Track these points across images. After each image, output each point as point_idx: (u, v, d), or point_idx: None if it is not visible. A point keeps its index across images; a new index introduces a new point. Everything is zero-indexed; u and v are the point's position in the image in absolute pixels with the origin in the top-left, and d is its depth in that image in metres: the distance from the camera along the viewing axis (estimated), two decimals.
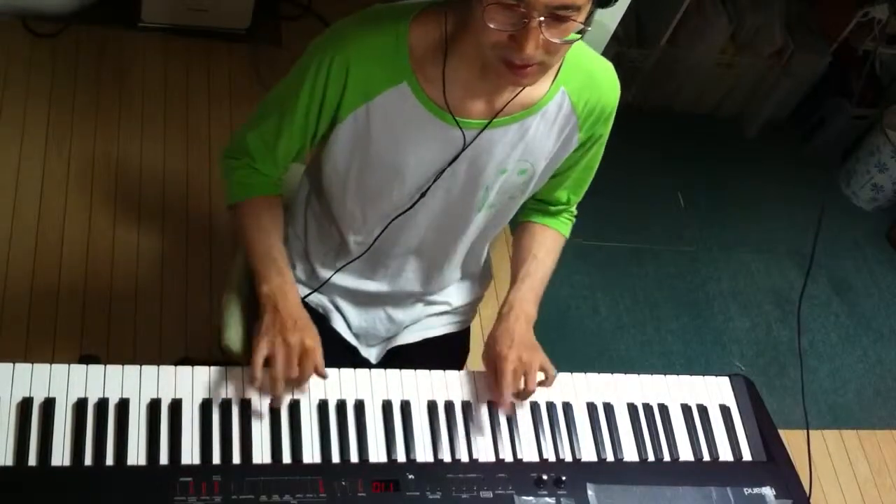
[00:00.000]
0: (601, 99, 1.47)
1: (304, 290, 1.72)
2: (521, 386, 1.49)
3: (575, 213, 1.71)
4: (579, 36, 1.25)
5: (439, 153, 1.45)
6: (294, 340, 1.42)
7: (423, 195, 1.50)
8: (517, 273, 1.63)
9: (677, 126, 3.54)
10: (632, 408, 1.56)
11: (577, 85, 1.44)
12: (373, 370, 1.49)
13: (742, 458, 1.55)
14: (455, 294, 1.79)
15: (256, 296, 1.50)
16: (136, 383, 1.36)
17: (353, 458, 1.38)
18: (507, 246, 2.87)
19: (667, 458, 1.52)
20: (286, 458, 1.35)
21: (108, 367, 1.37)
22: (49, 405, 1.31)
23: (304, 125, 1.46)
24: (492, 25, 1.21)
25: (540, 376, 1.52)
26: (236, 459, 1.33)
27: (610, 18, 2.09)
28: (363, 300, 1.72)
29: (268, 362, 1.40)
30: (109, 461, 1.29)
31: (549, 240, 1.68)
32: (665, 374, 1.62)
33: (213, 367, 1.41)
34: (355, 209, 1.57)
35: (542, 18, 1.19)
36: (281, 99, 1.47)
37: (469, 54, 1.35)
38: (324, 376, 1.44)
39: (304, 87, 1.41)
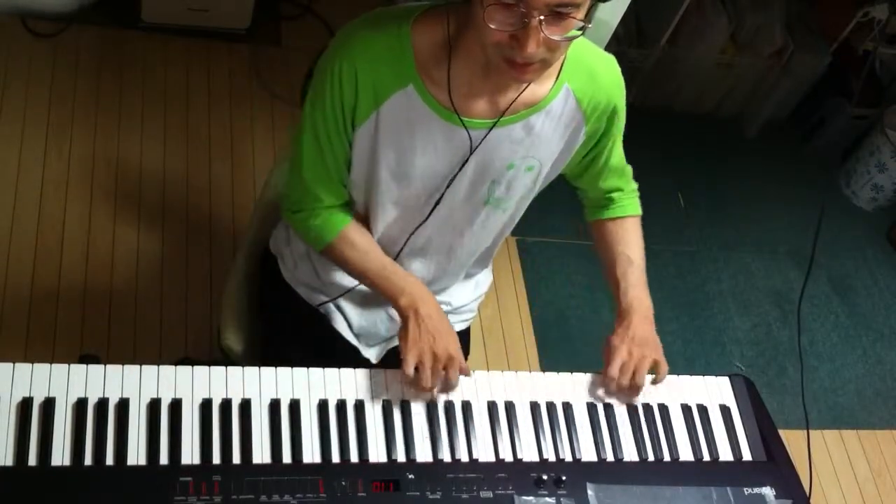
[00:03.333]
0: (605, 93, 1.48)
1: (305, 292, 1.72)
2: (626, 375, 1.53)
3: (635, 186, 1.74)
4: (580, 33, 1.25)
5: (446, 154, 1.45)
6: (440, 351, 1.46)
7: (437, 203, 1.51)
8: (615, 276, 1.65)
9: (677, 126, 3.54)
10: (632, 408, 1.56)
11: (581, 81, 1.45)
12: (373, 370, 1.49)
13: (742, 458, 1.55)
14: (456, 294, 1.79)
15: (397, 310, 1.53)
16: (136, 383, 1.36)
17: (353, 458, 1.38)
18: (507, 245, 2.88)
19: (667, 458, 1.52)
20: (286, 458, 1.35)
21: (108, 367, 1.37)
22: (49, 405, 1.31)
23: (339, 135, 1.45)
24: (492, 26, 1.21)
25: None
26: (236, 459, 1.33)
27: (611, 17, 2.10)
28: (365, 300, 1.72)
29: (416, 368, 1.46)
30: (109, 461, 1.29)
31: (630, 229, 1.71)
32: None
33: (213, 367, 1.41)
34: (366, 210, 1.57)
35: (542, 17, 1.19)
36: (310, 122, 1.46)
37: (472, 54, 1.35)
38: (468, 374, 1.50)
39: (326, 102, 1.41)
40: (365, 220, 1.59)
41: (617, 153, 1.64)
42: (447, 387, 1.48)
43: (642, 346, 1.55)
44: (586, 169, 1.64)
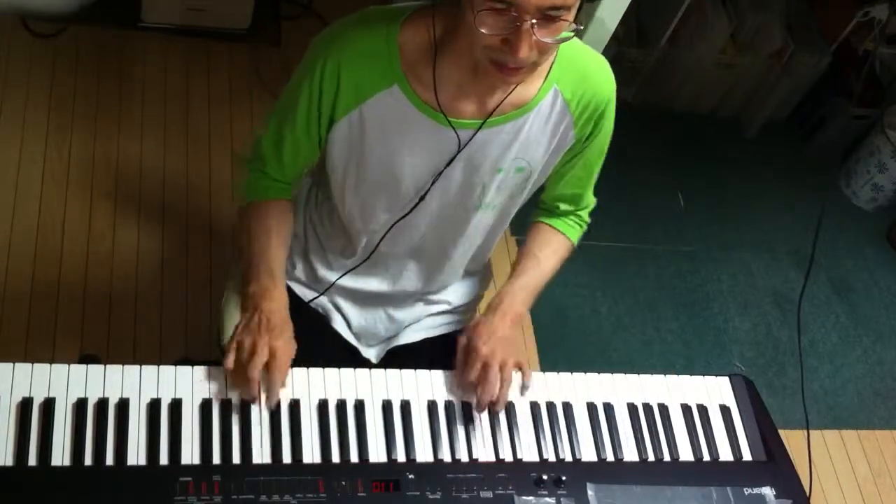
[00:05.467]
0: (595, 94, 1.46)
1: (305, 292, 1.72)
2: (492, 380, 1.46)
3: (586, 220, 1.70)
4: (572, 34, 1.25)
5: (434, 154, 1.45)
6: (262, 347, 1.41)
7: (421, 198, 1.51)
8: (514, 270, 1.63)
9: (677, 126, 3.54)
10: (632, 408, 1.56)
11: (570, 81, 1.44)
12: (373, 370, 1.49)
13: (742, 458, 1.55)
14: (455, 294, 1.79)
15: (242, 296, 1.50)
16: (136, 383, 1.37)
17: (353, 458, 1.38)
18: (507, 245, 2.88)
19: (667, 458, 1.52)
20: (286, 458, 1.35)
21: (108, 367, 1.37)
22: (49, 405, 1.31)
23: (306, 128, 1.46)
24: (484, 30, 1.21)
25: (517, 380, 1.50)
26: (236, 459, 1.33)
27: (610, 18, 2.09)
28: (363, 300, 1.72)
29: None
30: (109, 461, 1.29)
31: (554, 241, 1.67)
32: (665, 374, 1.62)
33: (213, 367, 1.41)
34: (355, 211, 1.57)
35: (533, 21, 1.19)
36: (284, 104, 1.48)
37: (460, 55, 1.35)
38: (282, 385, 1.41)
39: (303, 90, 1.42)
40: (356, 221, 1.59)
41: (588, 168, 1.60)
42: (267, 386, 1.40)
43: (505, 348, 1.49)
44: (556, 172, 1.59)
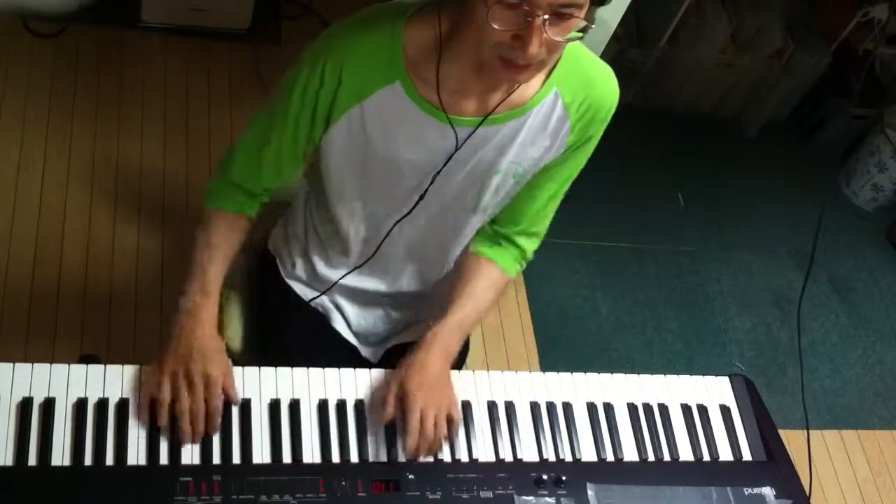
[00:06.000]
0: (595, 101, 1.45)
1: (305, 291, 1.72)
2: (430, 429, 1.39)
3: (530, 255, 1.65)
4: (581, 34, 1.25)
5: (433, 152, 1.45)
6: (196, 369, 1.35)
7: (421, 197, 1.50)
8: (451, 305, 1.55)
9: (677, 126, 3.54)
10: (632, 408, 1.55)
11: (572, 86, 1.43)
12: (373, 370, 1.49)
13: (742, 458, 1.55)
14: None
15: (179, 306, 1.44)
16: (136, 383, 1.36)
17: (353, 458, 1.38)
18: None
19: (667, 458, 1.52)
20: (286, 458, 1.35)
21: (108, 367, 1.37)
22: (49, 405, 1.31)
23: (294, 132, 1.45)
24: (496, 26, 1.21)
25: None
26: (236, 459, 1.33)
27: (611, 17, 2.10)
28: (363, 299, 1.72)
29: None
30: (109, 461, 1.29)
31: (493, 275, 1.61)
32: (665, 374, 1.62)
33: None
34: (356, 210, 1.57)
35: (546, 17, 1.19)
36: (271, 107, 1.46)
37: (464, 53, 1.35)
38: (235, 402, 1.38)
39: (295, 92, 1.41)
40: (355, 222, 1.58)
41: (559, 182, 1.55)
42: (207, 414, 1.34)
43: (439, 393, 1.43)
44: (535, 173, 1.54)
